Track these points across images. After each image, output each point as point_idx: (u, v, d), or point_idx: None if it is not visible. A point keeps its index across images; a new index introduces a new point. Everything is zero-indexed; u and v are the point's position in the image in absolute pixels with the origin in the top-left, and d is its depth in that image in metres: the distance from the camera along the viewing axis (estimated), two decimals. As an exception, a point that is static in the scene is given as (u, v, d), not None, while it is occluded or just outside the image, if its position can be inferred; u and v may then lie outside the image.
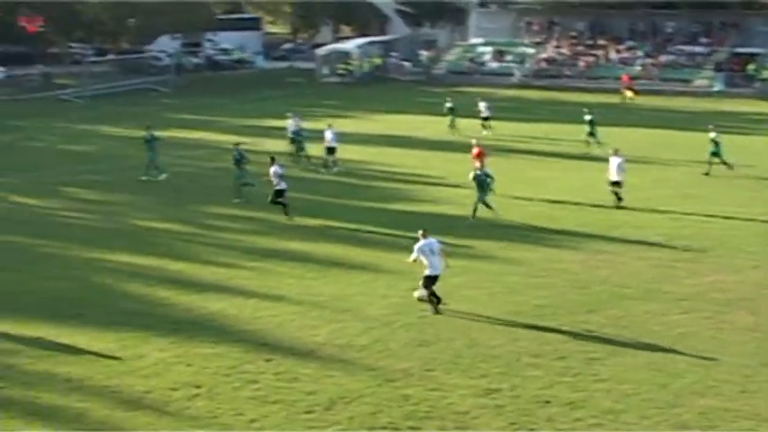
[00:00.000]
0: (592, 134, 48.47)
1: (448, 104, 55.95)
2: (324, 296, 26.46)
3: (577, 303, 25.60)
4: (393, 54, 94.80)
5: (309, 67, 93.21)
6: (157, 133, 44.20)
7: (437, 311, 24.87)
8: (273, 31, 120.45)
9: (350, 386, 20.37)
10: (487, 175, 34.60)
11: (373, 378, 20.77)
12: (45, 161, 42.80)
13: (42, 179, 41.96)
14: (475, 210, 34.44)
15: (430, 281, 25.01)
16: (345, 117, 62.75)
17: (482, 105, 55.69)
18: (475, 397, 19.71)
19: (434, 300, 25.07)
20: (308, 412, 19.21)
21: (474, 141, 40.99)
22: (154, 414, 19.25)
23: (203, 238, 33.02)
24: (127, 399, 19.95)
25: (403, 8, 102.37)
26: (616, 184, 36.66)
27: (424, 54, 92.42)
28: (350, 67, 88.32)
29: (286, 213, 34.93)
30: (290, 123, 48.71)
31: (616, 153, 36.80)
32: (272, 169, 35.21)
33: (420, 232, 25.66)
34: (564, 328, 23.63)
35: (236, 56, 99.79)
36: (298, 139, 46.59)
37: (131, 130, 53.28)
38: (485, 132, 53.69)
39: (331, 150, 45.31)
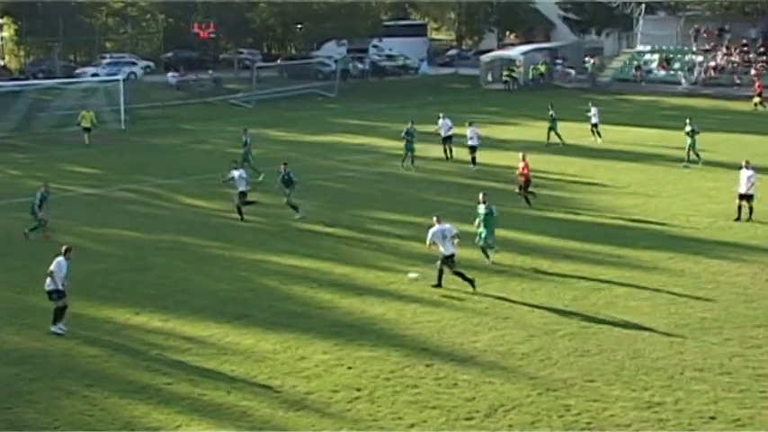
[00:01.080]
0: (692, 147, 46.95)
1: (589, 113, 55.36)
2: (485, 303, 26.41)
3: (745, 317, 24.92)
4: (558, 61, 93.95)
5: (473, 73, 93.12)
6: (320, 138, 44.74)
7: (440, 285, 27.44)
8: (439, 37, 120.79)
9: (510, 394, 20.29)
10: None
11: (533, 387, 20.64)
12: (214, 164, 43.81)
13: (211, 181, 42.97)
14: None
15: (447, 259, 27.35)
16: (508, 124, 62.54)
17: (593, 111, 55.57)
18: (637, 410, 19.38)
19: (463, 277, 27.30)
20: (468, 419, 19.20)
21: (521, 155, 39.78)
22: (315, 415, 19.53)
23: (365, 243, 33.34)
24: (289, 399, 20.29)
25: (569, 15, 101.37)
26: (745, 197, 35.41)
27: (590, 61, 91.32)
28: (514, 74, 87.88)
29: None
30: (440, 123, 49.92)
31: (747, 165, 35.56)
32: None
33: (434, 218, 27.88)
34: (730, 343, 23.04)
35: (401, 62, 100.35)
36: (408, 140, 47.39)
37: (297, 134, 54.24)
38: (592, 139, 54.27)
39: (473, 149, 46.78)
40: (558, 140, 53.10)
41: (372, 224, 35.96)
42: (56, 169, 41.69)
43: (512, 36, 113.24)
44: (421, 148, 49.85)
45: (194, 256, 31.76)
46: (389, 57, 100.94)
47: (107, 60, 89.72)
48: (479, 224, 30.25)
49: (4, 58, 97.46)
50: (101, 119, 62.78)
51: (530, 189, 38.27)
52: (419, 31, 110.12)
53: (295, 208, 36.75)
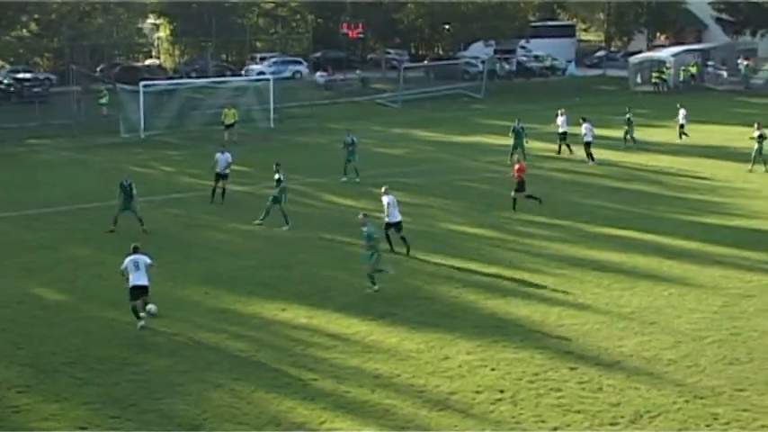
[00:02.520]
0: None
1: (627, 115, 54.51)
2: (631, 307, 26.07)
3: None
4: (709, 63, 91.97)
5: (622, 75, 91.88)
6: (466, 139, 44.72)
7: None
8: (587, 38, 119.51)
9: (656, 400, 19.98)
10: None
11: (680, 394, 20.29)
12: (359, 163, 44.20)
13: (351, 182, 43.41)
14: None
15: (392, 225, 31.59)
16: (657, 126, 61.48)
17: (681, 113, 55.46)
18: (789, 421, 18.90)
19: (404, 241, 31.54)
20: (612, 424, 18.99)
21: (515, 158, 39.52)
22: (458, 416, 19.56)
23: (511, 244, 33.22)
24: (432, 398, 20.36)
25: (722, 15, 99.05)
26: None
27: (743, 63, 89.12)
28: (663, 76, 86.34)
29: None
30: (560, 121, 50.58)
31: None
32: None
33: (383, 188, 31.61)
34: None
35: (548, 63, 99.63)
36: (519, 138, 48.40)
37: (443, 134, 54.35)
38: (678, 141, 54.54)
39: (587, 145, 47.92)
40: (629, 142, 53.17)
41: (518, 226, 35.80)
42: (206, 167, 42.55)
43: (662, 37, 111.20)
44: (566, 150, 49.71)
45: (340, 254, 32.09)
46: (537, 58, 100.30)
47: (274, 59, 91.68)
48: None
49: (159, 58, 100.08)
50: (250, 117, 64.01)
51: (529, 194, 38.06)
52: (567, 31, 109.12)
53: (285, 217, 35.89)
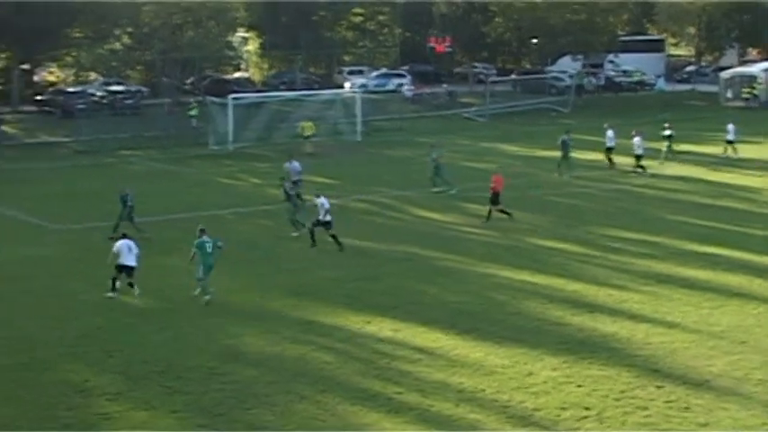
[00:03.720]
0: None
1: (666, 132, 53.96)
2: (721, 326, 25.73)
3: None
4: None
5: (712, 90, 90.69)
6: (552, 153, 44.46)
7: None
8: (677, 53, 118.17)
9: (746, 421, 19.72)
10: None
11: (770, 415, 20.01)
12: (447, 176, 44.23)
13: (443, 194, 43.41)
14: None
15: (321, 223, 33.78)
16: (748, 142, 60.51)
17: (730, 128, 55.18)
18: None
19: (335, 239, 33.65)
20: (700, 444, 18.78)
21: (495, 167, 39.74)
22: (543, 432, 19.51)
23: (598, 260, 32.96)
24: (516, 414, 20.31)
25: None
26: None
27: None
28: (755, 91, 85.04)
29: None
30: (610, 134, 51.41)
31: None
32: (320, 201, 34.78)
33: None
34: None
35: (637, 77, 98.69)
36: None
37: (529, 148, 54.16)
38: (726, 154, 54.21)
39: (638, 158, 49.06)
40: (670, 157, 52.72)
41: (605, 241, 35.53)
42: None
43: (754, 52, 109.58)
44: (655, 166, 49.32)
45: (426, 268, 32.14)
46: (625, 72, 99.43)
47: (377, 72, 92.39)
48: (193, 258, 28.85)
49: (248, 71, 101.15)
50: (338, 130, 64.44)
51: (500, 207, 38.37)
52: (656, 46, 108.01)
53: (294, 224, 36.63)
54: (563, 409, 20.53)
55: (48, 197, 40.76)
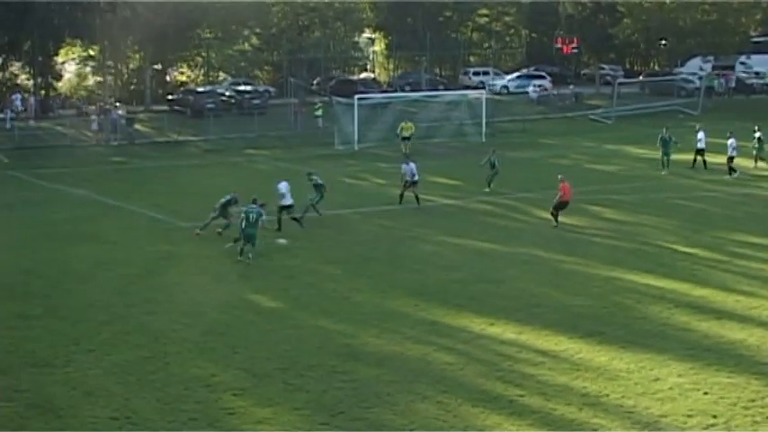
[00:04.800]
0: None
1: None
2: None
3: None
4: None
5: None
6: (680, 156, 43.77)
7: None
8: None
9: None
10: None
11: None
12: (571, 179, 43.77)
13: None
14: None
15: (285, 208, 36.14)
16: None
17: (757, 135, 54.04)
18: None
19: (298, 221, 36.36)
20: (832, 456, 18.23)
21: (560, 176, 38.34)
22: (668, 439, 19.17)
23: (726, 265, 32.28)
24: (642, 420, 19.98)
25: None
26: None
27: None
28: None
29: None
30: (700, 136, 51.82)
31: None
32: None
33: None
34: None
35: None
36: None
37: (657, 151, 53.17)
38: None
39: (730, 159, 49.54)
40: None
41: (733, 246, 34.79)
42: (420, 179, 43.08)
43: None
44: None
45: (549, 271, 31.89)
46: (757, 74, 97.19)
47: (517, 73, 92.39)
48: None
49: (374, 71, 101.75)
50: (462, 131, 64.39)
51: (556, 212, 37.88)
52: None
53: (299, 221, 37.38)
54: (689, 416, 20.13)
55: (177, 195, 41.58)
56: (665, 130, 51.33)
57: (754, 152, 52.17)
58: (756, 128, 53.24)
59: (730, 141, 50.44)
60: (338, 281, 30.86)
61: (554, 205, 37.90)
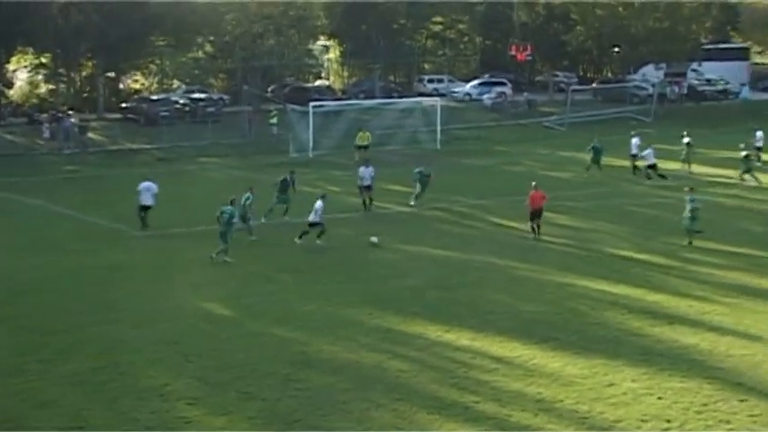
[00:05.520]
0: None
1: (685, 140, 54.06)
2: (805, 339, 25.24)
3: None
4: None
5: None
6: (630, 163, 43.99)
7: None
8: (761, 61, 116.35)
9: (830, 437, 19.26)
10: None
11: None
12: (524, 186, 43.86)
13: (521, 203, 43.08)
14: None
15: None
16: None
17: (758, 134, 55.87)
18: None
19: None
20: (784, 459, 18.39)
21: (533, 184, 38.06)
22: (622, 444, 19.24)
23: (679, 271, 32.54)
24: (596, 425, 20.11)
25: None
26: None
27: None
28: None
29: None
30: (634, 141, 52.61)
31: None
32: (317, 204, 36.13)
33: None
34: None
35: (720, 86, 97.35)
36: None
37: (610, 158, 53.47)
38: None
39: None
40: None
41: (686, 252, 35.07)
42: (375, 187, 43.10)
43: None
44: (738, 176, 48.73)
45: (503, 277, 31.98)
46: (709, 81, 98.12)
47: (479, 80, 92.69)
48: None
49: (328, 79, 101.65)
50: (416, 138, 64.44)
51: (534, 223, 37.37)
52: (741, 54, 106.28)
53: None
54: (643, 421, 20.25)
55: (130, 204, 41.13)
56: (595, 140, 52.39)
57: (682, 156, 52.66)
58: (685, 132, 53.86)
59: (634, 141, 52.22)
60: (292, 289, 30.77)
61: (529, 217, 37.50)
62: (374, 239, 36.31)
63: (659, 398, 21.41)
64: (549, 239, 36.91)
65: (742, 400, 21.16)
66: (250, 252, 35.22)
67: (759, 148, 55.82)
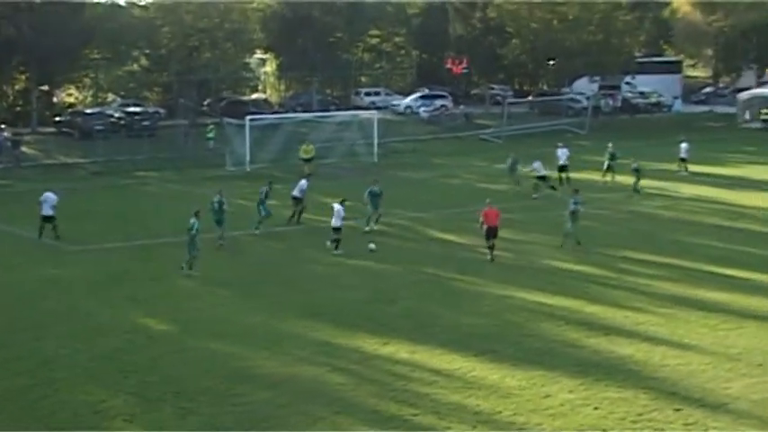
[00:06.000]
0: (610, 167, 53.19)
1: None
2: (738, 348, 25.58)
3: None
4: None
5: (730, 111, 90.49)
6: (569, 174, 44.39)
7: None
8: (694, 74, 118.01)
9: (763, 444, 19.56)
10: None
11: (789, 438, 19.84)
12: (463, 198, 44.19)
13: (459, 216, 43.36)
14: None
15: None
16: (765, 164, 60.48)
17: (683, 146, 57.06)
18: None
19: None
20: (718, 468, 18.63)
21: (488, 201, 37.71)
22: (559, 454, 19.37)
23: (614, 282, 32.85)
24: (533, 437, 20.22)
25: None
26: None
27: None
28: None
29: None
30: (560, 153, 53.20)
31: None
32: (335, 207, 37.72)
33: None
34: None
35: (654, 99, 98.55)
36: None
37: (546, 170, 53.86)
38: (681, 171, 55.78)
39: (542, 178, 49.88)
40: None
41: (621, 263, 35.41)
42: (310, 200, 43.09)
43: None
44: (671, 187, 49.33)
45: (442, 290, 32.08)
46: (642, 94, 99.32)
47: (418, 93, 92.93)
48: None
49: (265, 92, 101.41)
50: (354, 151, 64.52)
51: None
52: (674, 68, 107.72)
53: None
54: (580, 431, 20.40)
55: (64, 218, 40.79)
56: (510, 158, 53.26)
57: (605, 166, 53.28)
58: (610, 144, 54.55)
59: (560, 152, 52.97)
60: (230, 303, 30.65)
61: (484, 236, 36.08)
62: (372, 246, 37.12)
63: (595, 408, 21.60)
64: (486, 251, 37.02)
65: (677, 410, 21.40)
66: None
67: (683, 159, 56.74)
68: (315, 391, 22.87)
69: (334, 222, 37.18)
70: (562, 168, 52.62)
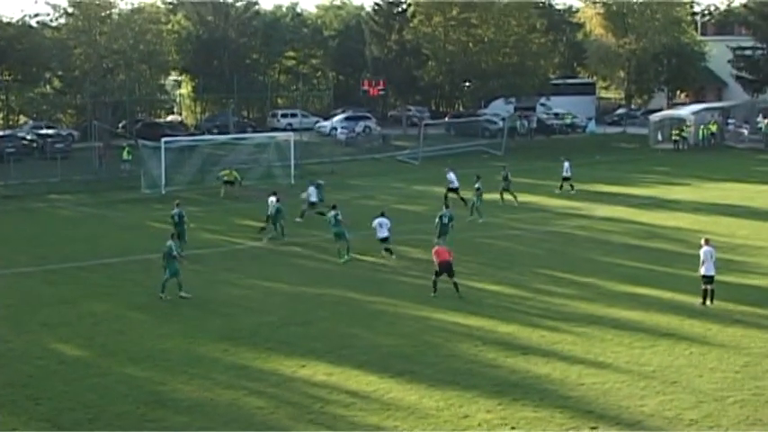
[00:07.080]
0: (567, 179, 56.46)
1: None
2: (652, 366, 25.90)
3: None
4: (730, 121, 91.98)
5: (642, 132, 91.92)
6: (486, 196, 44.64)
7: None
8: (607, 96, 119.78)
9: (677, 461, 19.79)
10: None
11: (702, 455, 20.10)
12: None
13: (375, 238, 43.31)
14: None
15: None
16: (677, 184, 61.53)
17: (565, 165, 58.08)
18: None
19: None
20: (633, 485, 18.79)
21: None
22: (477, 474, 19.41)
23: (531, 302, 33.09)
24: (451, 457, 20.23)
25: (742, 74, 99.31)
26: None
27: (763, 121, 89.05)
28: (684, 134, 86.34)
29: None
30: (450, 175, 53.89)
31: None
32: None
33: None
34: None
35: (568, 120, 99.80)
36: None
37: (463, 191, 54.25)
38: (558, 192, 56.93)
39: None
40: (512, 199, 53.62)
41: (537, 283, 35.70)
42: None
43: (682, 95, 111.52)
44: (586, 207, 49.85)
45: (359, 311, 32.06)
46: (557, 115, 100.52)
47: (343, 115, 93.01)
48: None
49: (181, 114, 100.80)
50: (271, 173, 64.34)
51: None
52: (587, 89, 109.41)
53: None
54: (496, 452, 20.51)
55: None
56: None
57: (501, 187, 53.80)
58: (504, 166, 55.33)
59: (450, 176, 53.51)
60: (145, 327, 30.31)
61: (435, 271, 34.02)
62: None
63: (513, 428, 21.71)
64: (403, 272, 37.12)
65: (593, 428, 21.60)
66: (101, 291, 34.58)
67: (567, 178, 57.67)
68: (232, 414, 22.69)
69: (380, 234, 39.63)
70: (453, 190, 53.11)
